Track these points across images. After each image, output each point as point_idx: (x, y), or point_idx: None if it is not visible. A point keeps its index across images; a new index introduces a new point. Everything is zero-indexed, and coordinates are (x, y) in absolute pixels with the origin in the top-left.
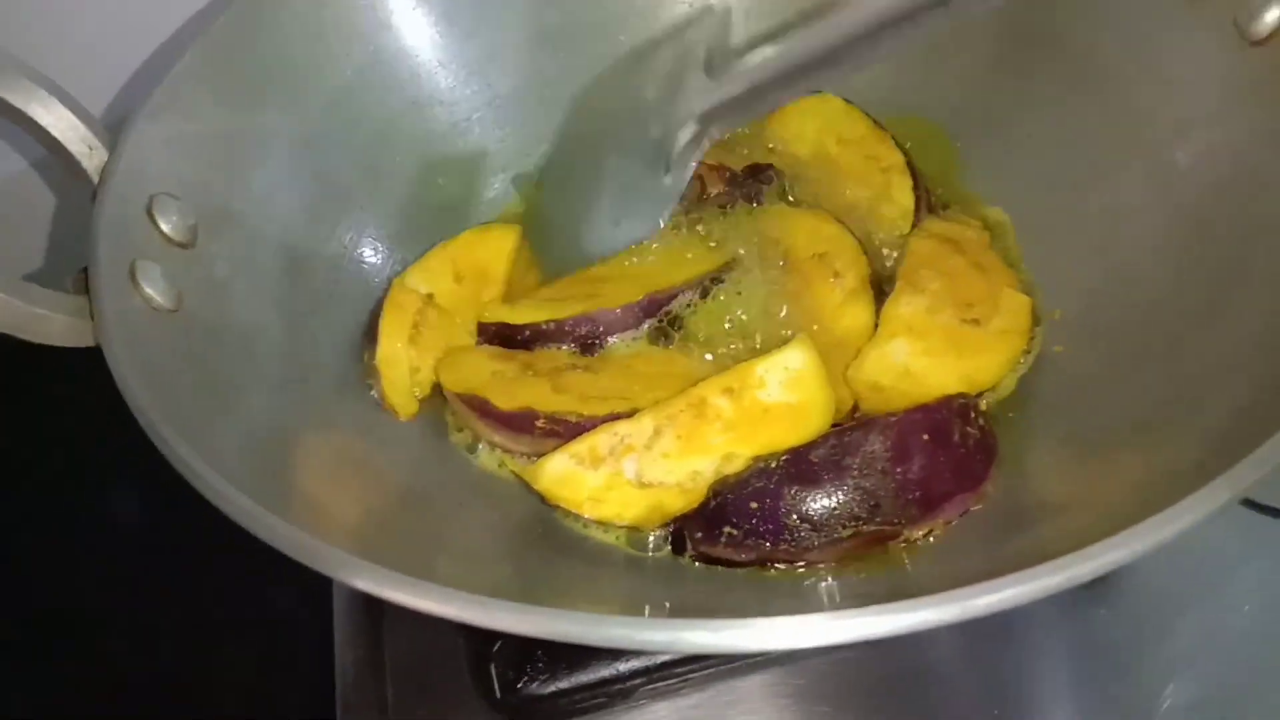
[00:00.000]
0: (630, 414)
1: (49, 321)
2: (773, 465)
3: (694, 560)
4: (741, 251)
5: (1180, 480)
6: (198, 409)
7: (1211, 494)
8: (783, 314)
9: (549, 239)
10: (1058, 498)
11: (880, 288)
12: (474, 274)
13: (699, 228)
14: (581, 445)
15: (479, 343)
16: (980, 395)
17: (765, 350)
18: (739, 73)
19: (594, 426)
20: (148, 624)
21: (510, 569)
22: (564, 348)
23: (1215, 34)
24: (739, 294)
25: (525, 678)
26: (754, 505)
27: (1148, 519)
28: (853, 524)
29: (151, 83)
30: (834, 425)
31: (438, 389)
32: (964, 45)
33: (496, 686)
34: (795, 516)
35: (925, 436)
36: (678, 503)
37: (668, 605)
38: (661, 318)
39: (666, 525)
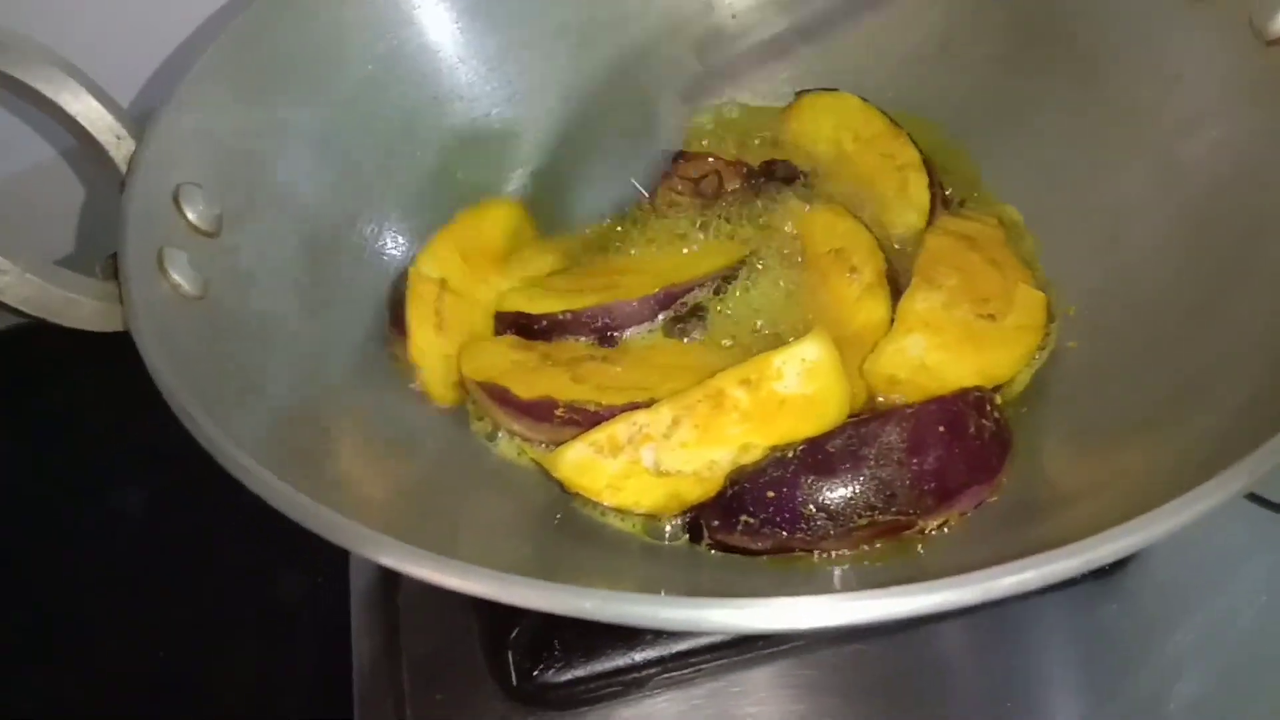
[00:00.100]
0: (648, 404)
1: (79, 306)
2: (790, 455)
3: (710, 548)
4: (758, 247)
5: (1197, 469)
6: (224, 393)
7: (1228, 480)
8: (799, 308)
9: (549, 204)
10: (1071, 490)
11: (896, 283)
12: (479, 252)
13: (716, 223)
14: (600, 434)
15: (497, 331)
16: (996, 389)
17: (782, 343)
18: (722, 49)
19: (612, 416)
20: (149, 624)
21: (529, 554)
22: (581, 339)
23: (1222, 32)
24: (756, 288)
25: (541, 665)
26: (771, 494)
27: (1166, 504)
28: (868, 514)
29: (178, 75)
30: (850, 418)
31: None
32: (974, 44)
33: (513, 674)
34: (812, 506)
35: (941, 428)
36: (695, 491)
37: (684, 590)
38: (678, 311)
39: (684, 514)
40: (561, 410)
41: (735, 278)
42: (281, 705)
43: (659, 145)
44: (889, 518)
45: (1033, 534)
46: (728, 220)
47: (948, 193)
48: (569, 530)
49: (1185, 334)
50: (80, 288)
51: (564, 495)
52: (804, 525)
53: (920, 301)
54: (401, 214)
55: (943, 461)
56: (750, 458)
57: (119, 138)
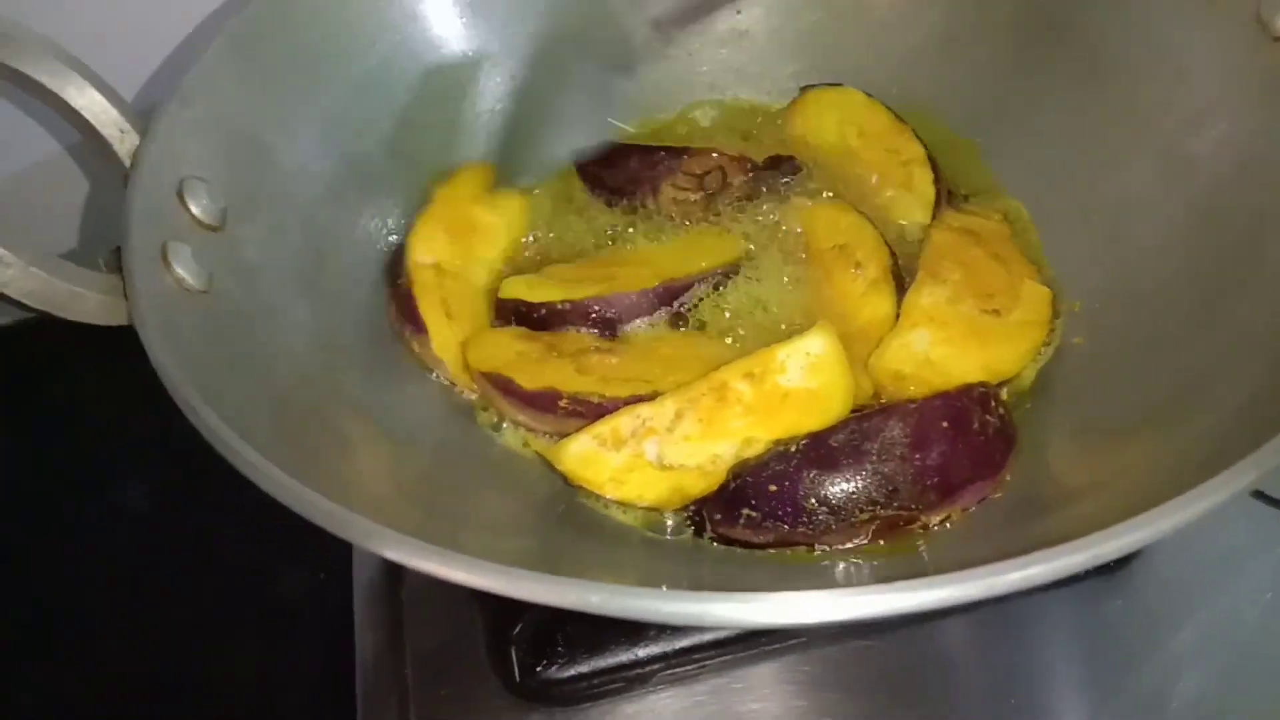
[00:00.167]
0: (652, 396)
1: (83, 299)
2: (792, 449)
3: (713, 541)
4: (762, 242)
5: (1204, 464)
6: (228, 386)
7: (1233, 477)
8: (804, 304)
9: (516, 146)
10: (1075, 486)
11: (901, 279)
12: (463, 227)
13: (719, 218)
14: (604, 426)
15: (496, 319)
16: (1001, 385)
17: (786, 337)
18: None
19: (616, 408)
20: (150, 621)
21: (533, 546)
22: (582, 330)
23: (1229, 28)
24: (760, 283)
25: (545, 661)
26: (773, 488)
27: (1171, 500)
28: (870, 508)
29: (182, 70)
30: (854, 412)
31: None
32: (982, 39)
33: (516, 670)
34: (814, 500)
35: (945, 424)
36: (698, 485)
37: (686, 584)
38: (679, 305)
39: (686, 507)
40: (565, 402)
41: (737, 273)
42: (284, 702)
43: (633, 80)
44: (891, 512)
45: (1037, 530)
46: (731, 216)
47: (952, 188)
48: (572, 523)
49: (1189, 330)
50: (85, 281)
51: (567, 488)
52: (806, 519)
53: (925, 297)
54: (406, 207)
55: (946, 457)
56: (753, 451)
57: (123, 132)
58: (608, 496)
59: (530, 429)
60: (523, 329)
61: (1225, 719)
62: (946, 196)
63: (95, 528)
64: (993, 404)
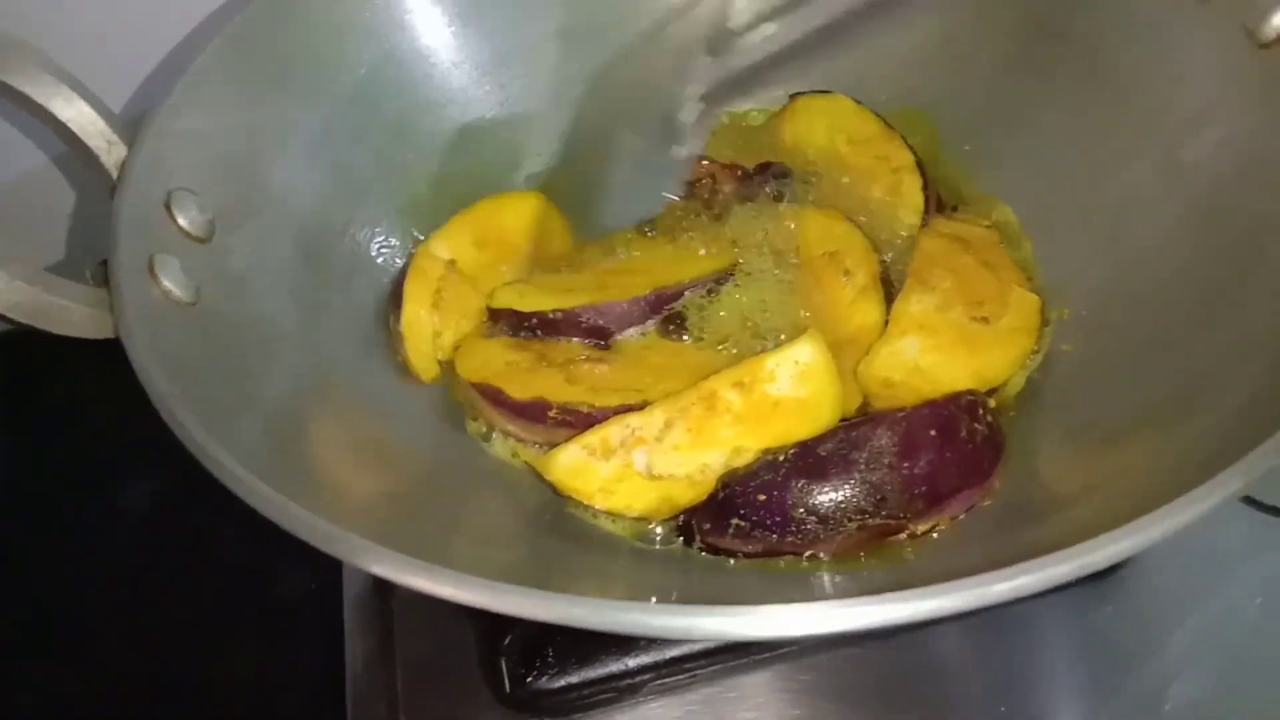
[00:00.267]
0: (641, 406)
1: (70, 312)
2: (781, 458)
3: (702, 551)
4: (752, 249)
5: (1192, 471)
6: (216, 399)
7: (1224, 482)
8: (793, 311)
9: (575, 207)
10: (1065, 494)
11: (890, 286)
12: (494, 241)
13: (710, 225)
14: (593, 436)
15: (488, 327)
16: (989, 392)
17: (776, 345)
18: (739, 51)
19: (606, 418)
20: (149, 622)
21: (523, 557)
22: (573, 339)
23: (1225, 31)
24: (749, 291)
25: (535, 672)
26: (761, 497)
27: (1161, 507)
28: (859, 517)
29: (169, 80)
30: (843, 421)
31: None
32: (975, 44)
33: (506, 680)
34: (802, 509)
35: (933, 432)
36: (687, 495)
37: (675, 595)
38: (670, 312)
39: (675, 517)
40: (555, 412)
41: (728, 280)
42: (284, 702)
43: (682, 150)
44: (879, 521)
45: (1027, 538)
46: (721, 223)
47: (942, 196)
48: (561, 533)
49: (1183, 336)
50: (71, 294)
51: (556, 498)
52: (794, 528)
53: (914, 304)
54: (397, 217)
55: (934, 465)
56: (742, 461)
57: (110, 143)
58: (597, 506)
59: (520, 439)
60: (513, 339)
61: None
62: (936, 203)
63: (95, 528)
64: (981, 412)
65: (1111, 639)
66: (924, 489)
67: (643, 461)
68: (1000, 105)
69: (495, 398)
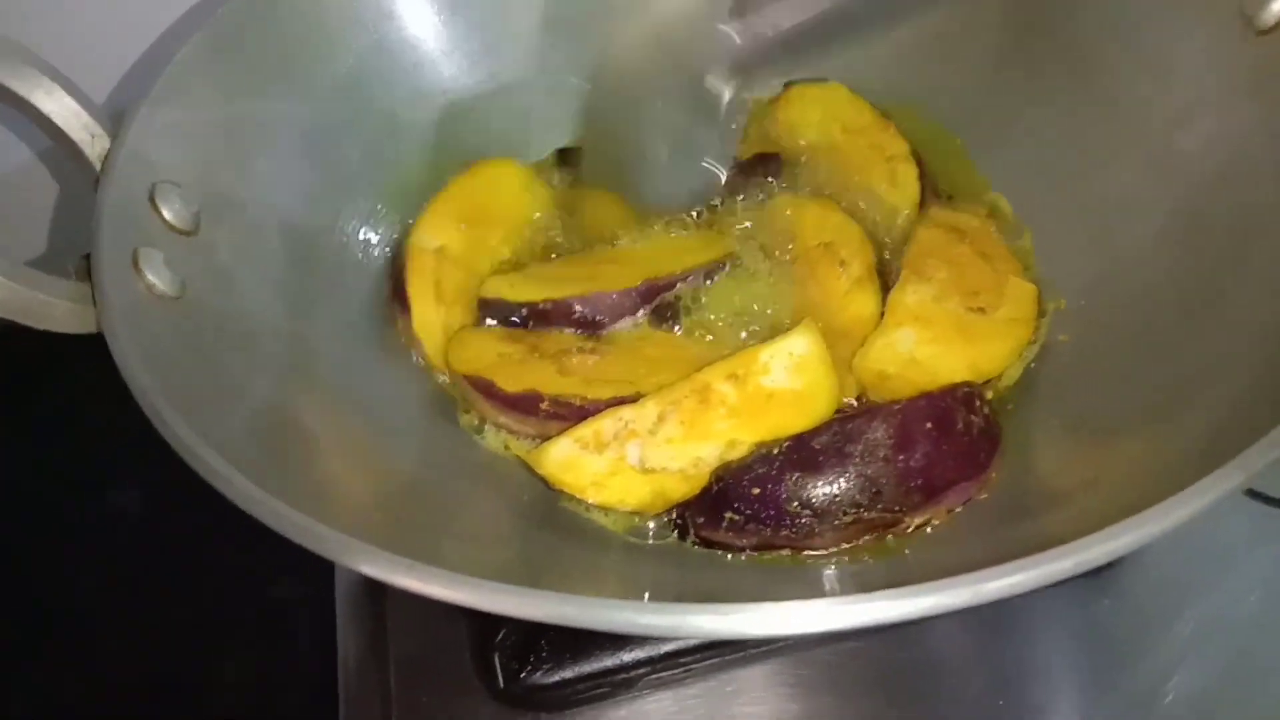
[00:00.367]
0: (635, 398)
1: (52, 307)
2: (775, 451)
3: (696, 545)
4: (746, 240)
5: (1191, 465)
6: (201, 394)
7: (1223, 477)
8: (788, 302)
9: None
10: (1062, 486)
11: (885, 277)
12: (477, 216)
13: (704, 216)
14: (586, 430)
15: (478, 317)
16: (986, 384)
17: (770, 337)
18: (764, 18)
19: (598, 410)
20: (147, 623)
21: (514, 553)
22: (564, 330)
23: (1217, 24)
24: (744, 282)
25: (529, 667)
26: (756, 491)
27: (1161, 502)
28: (854, 511)
29: (154, 71)
30: (838, 413)
31: None
32: (968, 36)
33: (500, 676)
34: (797, 503)
35: (929, 424)
36: (680, 489)
37: (670, 590)
38: (661, 303)
39: (669, 511)
40: (547, 404)
41: (721, 271)
42: (284, 702)
43: (720, 124)
44: (875, 515)
45: (1024, 532)
46: (716, 213)
47: (938, 185)
48: (553, 528)
49: (1178, 328)
50: (53, 289)
51: (549, 492)
52: (789, 522)
53: (910, 295)
54: (386, 209)
55: (930, 458)
56: (737, 454)
57: (93, 136)
58: (589, 501)
59: (512, 431)
60: (505, 330)
61: (1217, 718)
62: (932, 193)
63: (94, 528)
64: (977, 404)
65: (1110, 632)
66: (920, 482)
67: (636, 455)
68: (989, 100)
69: (487, 390)
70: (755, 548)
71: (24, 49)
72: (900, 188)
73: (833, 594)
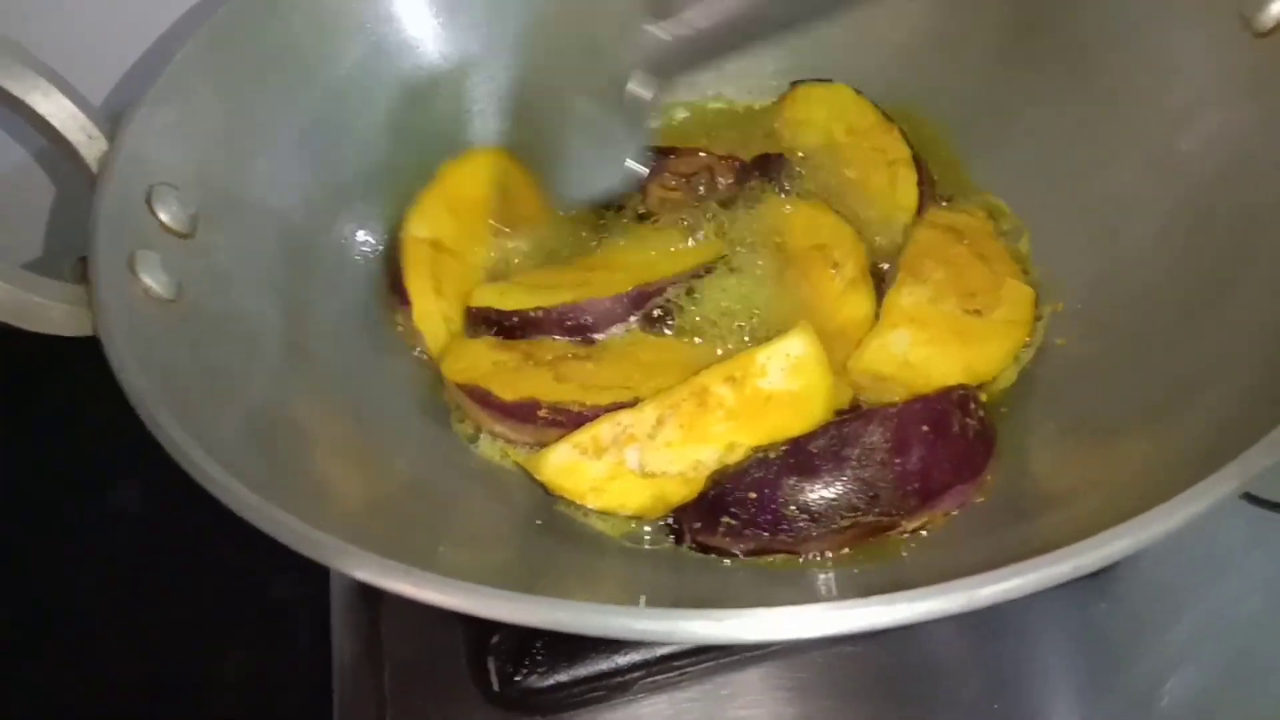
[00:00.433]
0: (632, 403)
1: (48, 310)
2: (772, 456)
3: (692, 550)
4: (737, 242)
5: (1188, 468)
6: (197, 398)
7: (1221, 480)
8: (780, 305)
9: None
10: (1059, 489)
11: (881, 278)
12: (467, 206)
13: (697, 219)
14: (584, 435)
15: (468, 326)
16: (981, 386)
17: (765, 339)
18: (684, 21)
19: (596, 416)
20: (146, 623)
21: (512, 559)
22: (557, 337)
23: (1218, 24)
24: (735, 285)
25: (524, 671)
26: (752, 495)
27: (1157, 506)
28: (851, 515)
29: (151, 73)
30: (835, 415)
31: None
32: (968, 36)
33: (495, 679)
34: (794, 507)
35: (925, 428)
36: (680, 493)
37: (667, 595)
38: (653, 308)
39: (666, 516)
40: (545, 411)
41: (711, 273)
42: (283, 702)
43: (643, 124)
44: (872, 519)
45: (1021, 535)
46: (708, 218)
47: (937, 187)
48: (552, 533)
49: (1178, 329)
50: (49, 292)
51: (547, 497)
52: (786, 526)
53: (906, 296)
54: (383, 211)
55: (926, 461)
56: (735, 457)
57: (90, 137)
58: (589, 506)
59: (509, 440)
60: (498, 338)
61: None
62: (931, 197)
63: (94, 528)
64: (972, 406)
65: (1107, 635)
66: (917, 485)
67: (635, 459)
68: (991, 98)
69: (483, 399)
70: (752, 552)
71: (21, 49)
72: (899, 192)
73: (829, 599)
